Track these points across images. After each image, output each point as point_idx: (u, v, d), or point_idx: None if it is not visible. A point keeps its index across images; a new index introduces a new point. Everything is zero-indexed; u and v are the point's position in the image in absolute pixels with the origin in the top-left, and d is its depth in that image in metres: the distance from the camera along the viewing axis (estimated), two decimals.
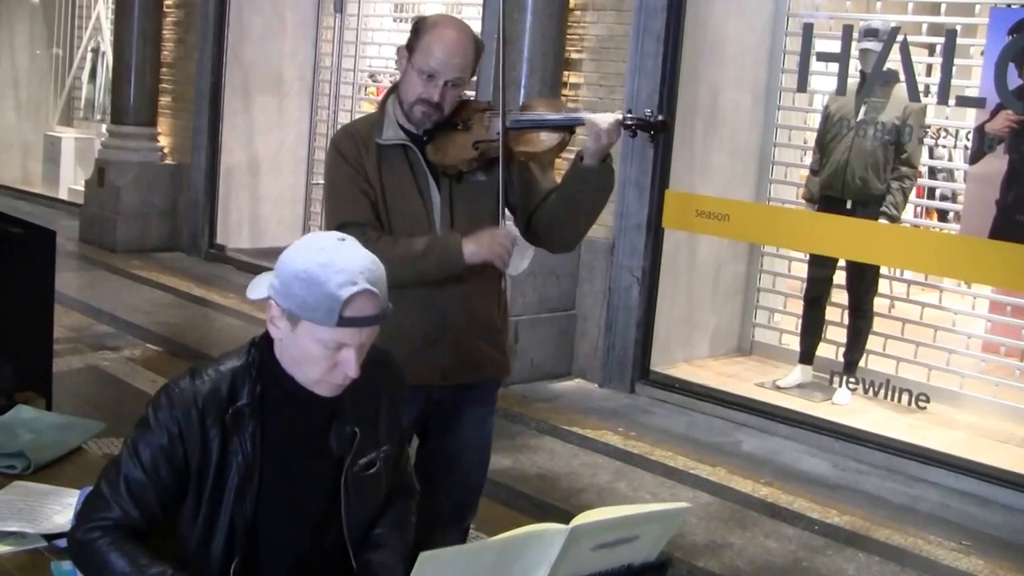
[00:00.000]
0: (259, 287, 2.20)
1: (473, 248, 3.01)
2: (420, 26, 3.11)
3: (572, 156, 3.21)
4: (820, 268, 6.70)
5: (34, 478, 2.98)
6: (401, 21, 10.75)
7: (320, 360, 2.10)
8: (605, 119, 3.02)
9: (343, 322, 2.05)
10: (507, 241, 3.04)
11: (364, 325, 2.08)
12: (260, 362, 2.19)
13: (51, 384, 3.71)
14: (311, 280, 2.04)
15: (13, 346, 3.63)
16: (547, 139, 3.09)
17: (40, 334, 3.73)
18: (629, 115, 3.11)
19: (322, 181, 4.74)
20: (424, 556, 1.61)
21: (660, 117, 3.09)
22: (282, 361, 2.17)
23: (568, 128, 3.09)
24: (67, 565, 2.53)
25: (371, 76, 10.52)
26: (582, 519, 1.71)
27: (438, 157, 3.11)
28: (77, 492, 2.76)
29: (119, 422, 4.91)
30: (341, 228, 3.09)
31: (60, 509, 2.74)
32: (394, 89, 3.19)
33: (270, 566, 2.22)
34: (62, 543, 2.59)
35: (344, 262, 2.07)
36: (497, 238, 3.03)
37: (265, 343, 2.21)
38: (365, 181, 3.13)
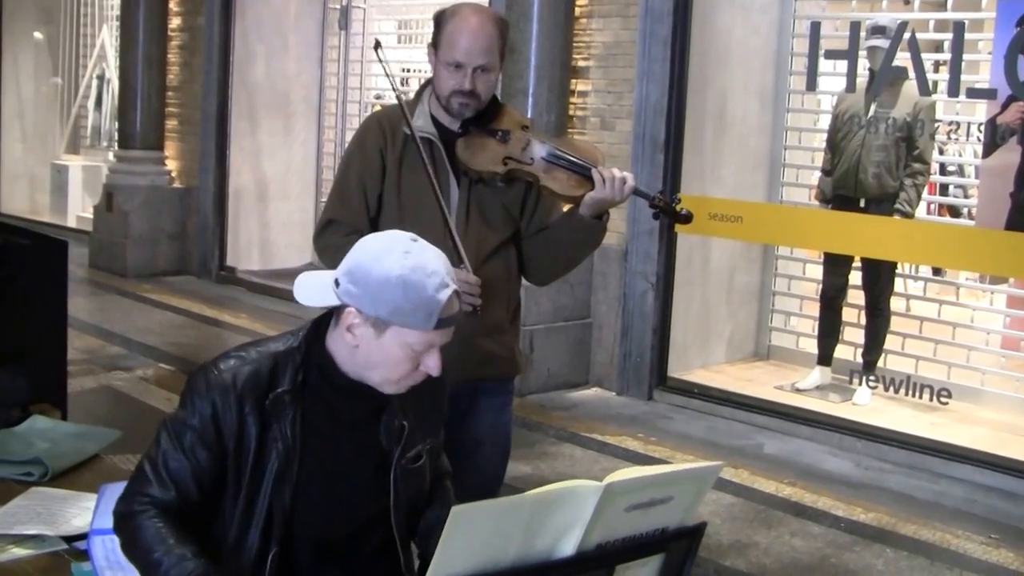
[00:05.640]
0: (315, 291, 2.13)
1: None
2: (440, 19, 3.09)
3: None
4: (835, 269, 6.65)
5: (51, 485, 2.95)
6: (406, 39, 10.77)
7: (404, 362, 2.07)
8: (617, 178, 2.99)
9: (439, 324, 2.03)
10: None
11: (455, 324, 2.08)
12: (307, 349, 2.16)
13: (66, 396, 3.68)
14: (407, 285, 2.00)
15: (27, 359, 3.60)
16: (573, 184, 3.06)
17: (54, 347, 3.70)
18: (660, 195, 3.14)
19: None
20: (456, 510, 1.57)
21: (687, 211, 3.13)
22: (342, 359, 2.13)
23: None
24: (87, 567, 2.49)
25: (377, 96, 10.52)
26: (616, 476, 1.67)
27: (466, 156, 3.08)
28: (95, 496, 2.73)
29: (134, 439, 4.89)
30: (329, 224, 3.16)
31: (78, 512, 2.71)
32: (432, 80, 3.17)
33: (308, 557, 2.18)
34: (82, 545, 2.56)
35: (432, 263, 2.04)
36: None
37: (315, 332, 2.17)
38: (376, 177, 3.12)
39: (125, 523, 2.12)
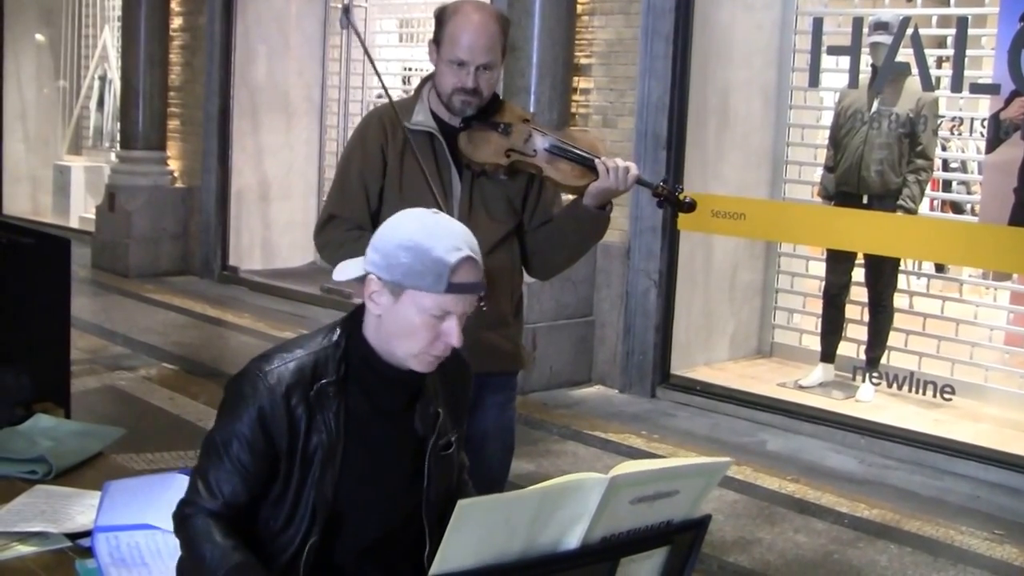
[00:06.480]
0: (347, 268, 2.21)
1: None
2: (442, 16, 3.09)
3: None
4: (838, 266, 6.64)
5: (55, 482, 2.96)
6: (407, 38, 10.77)
7: (422, 330, 2.10)
8: (621, 167, 3.01)
9: (451, 288, 2.06)
10: None
11: (470, 292, 2.10)
12: (348, 341, 2.19)
13: (69, 395, 3.68)
14: (418, 247, 2.06)
15: (30, 357, 3.60)
16: (576, 175, 3.07)
17: (56, 345, 3.69)
18: (663, 184, 3.14)
19: None
20: (462, 504, 1.57)
21: (690, 199, 3.13)
22: (373, 339, 2.16)
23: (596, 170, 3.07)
24: (91, 564, 2.49)
25: (378, 95, 10.50)
26: (621, 469, 1.67)
27: (469, 150, 3.10)
28: (98, 493, 2.73)
29: (138, 439, 4.90)
30: (330, 219, 3.17)
31: (82, 510, 2.71)
32: (431, 77, 3.17)
33: (345, 546, 2.19)
34: (86, 542, 2.57)
35: (447, 229, 2.11)
36: None
37: (352, 323, 2.21)
38: (377, 173, 3.13)
39: (179, 530, 2.14)
